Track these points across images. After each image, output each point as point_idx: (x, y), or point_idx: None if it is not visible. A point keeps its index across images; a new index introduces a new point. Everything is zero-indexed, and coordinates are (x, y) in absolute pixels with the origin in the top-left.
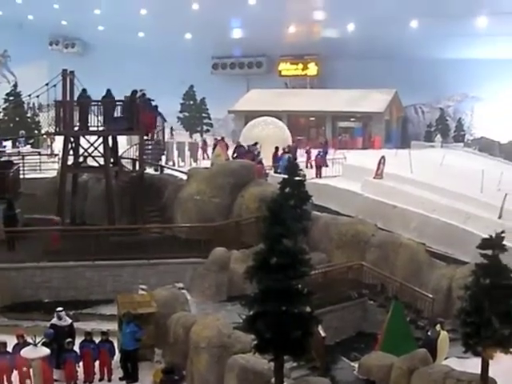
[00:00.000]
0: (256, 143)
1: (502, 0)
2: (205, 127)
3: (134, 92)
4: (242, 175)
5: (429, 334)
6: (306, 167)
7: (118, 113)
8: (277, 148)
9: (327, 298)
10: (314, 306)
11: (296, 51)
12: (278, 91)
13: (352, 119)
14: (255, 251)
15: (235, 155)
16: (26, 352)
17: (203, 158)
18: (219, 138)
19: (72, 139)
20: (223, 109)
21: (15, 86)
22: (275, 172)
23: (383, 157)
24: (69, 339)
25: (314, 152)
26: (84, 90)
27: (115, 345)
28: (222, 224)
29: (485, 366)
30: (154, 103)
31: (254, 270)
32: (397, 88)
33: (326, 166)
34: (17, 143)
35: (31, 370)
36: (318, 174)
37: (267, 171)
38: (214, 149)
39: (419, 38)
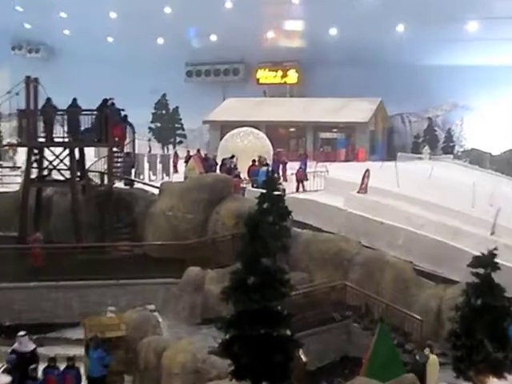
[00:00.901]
0: (233, 156)
1: (493, 4)
2: (178, 138)
3: (105, 101)
4: (217, 190)
5: (417, 358)
6: (285, 181)
7: (85, 123)
8: (254, 161)
9: (309, 320)
10: (295, 329)
11: (275, 57)
12: (256, 100)
13: (334, 130)
14: (232, 271)
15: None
16: None
17: (174, 172)
18: (195, 150)
19: (36, 151)
20: (197, 119)
21: None
22: (253, 186)
23: (368, 170)
24: (33, 366)
25: (294, 165)
26: (49, 99)
27: (81, 371)
28: (197, 242)
29: None
30: (123, 113)
31: (230, 290)
32: (382, 96)
33: (306, 179)
34: None
35: None
36: (301, 188)
37: (244, 185)
38: (186, 162)
39: (406, 43)
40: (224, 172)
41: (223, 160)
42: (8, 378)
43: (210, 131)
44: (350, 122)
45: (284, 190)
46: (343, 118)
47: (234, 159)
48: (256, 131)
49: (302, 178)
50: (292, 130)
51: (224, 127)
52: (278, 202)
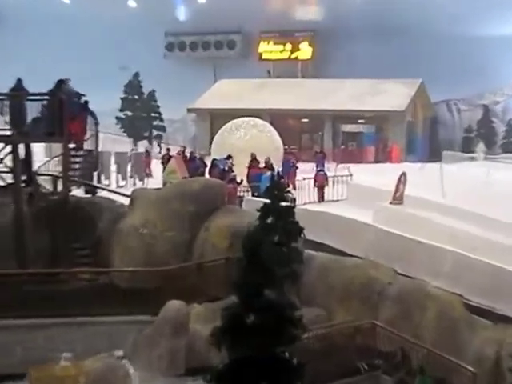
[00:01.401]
0: (229, 156)
1: None
2: (154, 132)
3: (59, 83)
4: (206, 199)
5: None
6: (295, 188)
7: (33, 112)
8: (253, 161)
9: (326, 372)
10: (308, 383)
11: (283, 26)
12: (258, 82)
13: (360, 121)
14: (225, 306)
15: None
16: None
17: (147, 176)
18: (177, 147)
19: None
20: (180, 106)
21: None
22: (253, 195)
23: (404, 173)
24: None
25: (305, 167)
26: None
27: None
28: (179, 268)
29: None
30: (83, 99)
31: (223, 332)
32: (423, 78)
33: (326, 185)
34: None
35: None
36: (320, 198)
37: (242, 194)
38: (165, 162)
39: (455, 7)
40: (215, 176)
41: (214, 161)
42: None
43: (197, 122)
44: (381, 110)
45: (294, 200)
46: (372, 106)
47: (230, 160)
48: (261, 122)
49: (323, 183)
50: (305, 121)
51: (215, 117)
52: (287, 216)
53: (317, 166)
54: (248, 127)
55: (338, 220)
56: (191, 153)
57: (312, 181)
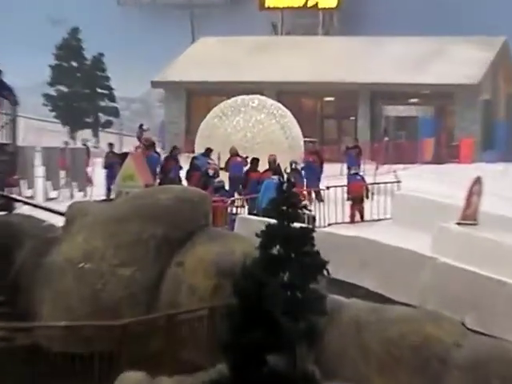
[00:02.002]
0: (208, 150)
1: None
2: (102, 117)
3: None
4: (181, 219)
5: None
6: (320, 200)
7: None
8: (253, 161)
9: None
10: None
11: None
12: (258, 41)
13: (413, 100)
14: (209, 379)
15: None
16: None
17: (88, 183)
18: (135, 140)
19: None
20: (142, 78)
21: None
22: (251, 212)
23: (478, 179)
24: None
25: (330, 169)
26: None
27: None
28: (139, 322)
29: None
30: None
31: None
32: (507, 35)
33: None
34: None
35: None
36: (354, 215)
37: (234, 209)
38: (108, 165)
39: None
40: (195, 183)
41: (193, 159)
42: None
43: (167, 103)
44: (444, 84)
45: (313, 220)
46: (430, 77)
47: (211, 160)
48: (270, 102)
49: (360, 194)
50: (328, 100)
51: (194, 95)
52: (302, 245)
53: (348, 169)
54: (249, 110)
55: (379, 249)
56: (174, 148)
57: (341, 190)
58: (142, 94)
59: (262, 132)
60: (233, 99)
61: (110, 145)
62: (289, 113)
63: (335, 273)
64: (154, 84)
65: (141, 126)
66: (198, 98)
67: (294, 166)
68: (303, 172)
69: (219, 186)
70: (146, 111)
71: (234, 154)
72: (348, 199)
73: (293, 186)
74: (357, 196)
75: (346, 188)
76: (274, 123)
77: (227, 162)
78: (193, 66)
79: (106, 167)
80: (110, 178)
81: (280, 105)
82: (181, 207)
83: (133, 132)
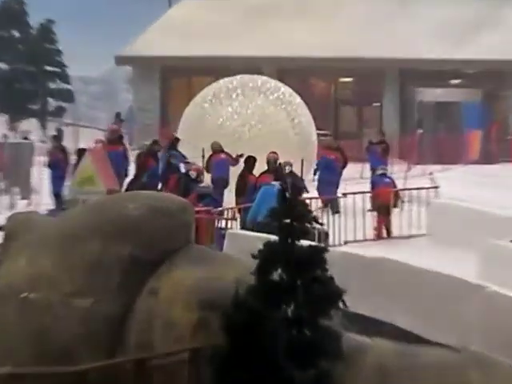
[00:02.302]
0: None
1: None
2: (52, 103)
3: None
4: (155, 235)
5: None
6: (337, 212)
7: None
8: (250, 159)
9: None
10: None
11: None
12: (254, 4)
13: (455, 81)
14: None
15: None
16: None
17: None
18: (96, 133)
19: None
20: (103, 53)
21: None
22: (244, 226)
23: None
24: None
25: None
26: None
27: None
28: (100, 367)
29: None
30: None
31: None
32: None
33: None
34: None
35: None
36: (381, 230)
37: (223, 223)
38: (53, 163)
39: None
40: (172, 188)
41: (170, 158)
42: None
43: (136, 84)
44: (496, 61)
45: (326, 237)
46: (478, 53)
47: (198, 157)
48: (274, 84)
49: (388, 202)
50: (345, 81)
51: (172, 74)
52: (310, 269)
53: (372, 170)
54: (249, 93)
55: (411, 275)
56: (154, 144)
57: (362, 197)
58: (103, 73)
59: (264, 122)
60: (227, 79)
61: (55, 137)
62: (299, 98)
63: (354, 305)
64: (120, 60)
65: (118, 114)
66: (177, 79)
67: (288, 169)
68: (318, 174)
69: (205, 192)
70: (108, 95)
71: (217, 149)
72: (371, 209)
73: (299, 192)
74: (383, 205)
75: (368, 195)
76: (280, 110)
77: (208, 161)
78: (170, 37)
79: (49, 166)
80: (57, 181)
81: (289, 89)
82: (154, 220)
83: (92, 122)
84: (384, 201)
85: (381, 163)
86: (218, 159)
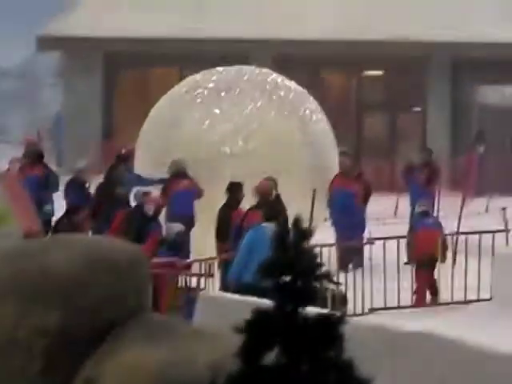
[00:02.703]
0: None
1: None
2: None
3: None
4: (92, 299)
5: None
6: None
7: None
8: (234, 188)
9: None
10: None
11: None
12: None
13: None
14: None
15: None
16: None
17: None
18: (10, 151)
19: None
20: (20, 34)
21: None
22: (225, 286)
23: None
24: None
25: (375, 206)
26: None
27: None
28: None
29: None
30: None
31: None
32: None
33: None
34: None
35: None
36: (428, 292)
37: (191, 280)
38: None
39: None
40: (118, 229)
41: (112, 187)
42: None
43: (68, 77)
44: None
45: (344, 301)
46: None
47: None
48: (280, 80)
49: (433, 252)
50: (372, 74)
51: (120, 62)
52: (320, 349)
53: (412, 206)
54: (242, 91)
55: (469, 356)
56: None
57: (396, 245)
58: (20, 63)
59: (264, 132)
60: (214, 70)
61: None
62: (315, 104)
63: None
64: (43, 43)
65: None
66: (127, 70)
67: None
68: (331, 210)
69: (169, 236)
70: (27, 93)
71: (178, 172)
72: (409, 262)
73: (305, 237)
74: (427, 256)
75: (406, 241)
76: (287, 117)
77: (165, 190)
78: (117, 11)
79: None
80: None
81: (298, 86)
82: (93, 278)
83: (2, 132)
84: (427, 251)
85: (425, 196)
86: (180, 188)
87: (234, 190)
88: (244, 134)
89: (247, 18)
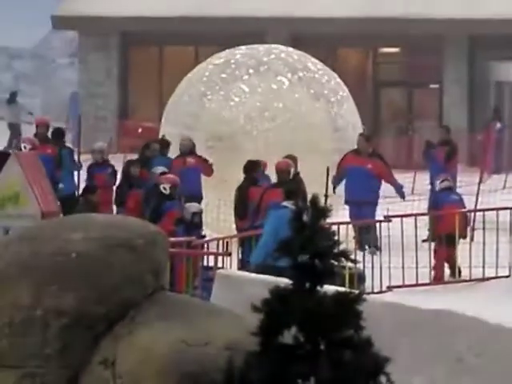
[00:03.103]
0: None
1: None
2: None
3: None
4: (110, 280)
5: None
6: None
7: None
8: (252, 166)
9: None
10: None
11: None
12: None
13: None
14: None
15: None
16: None
17: None
18: (25, 133)
19: None
20: (35, 16)
21: None
22: (244, 265)
23: None
24: None
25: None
26: None
27: None
28: None
29: None
30: None
31: None
32: None
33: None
34: None
35: None
36: (450, 269)
37: (209, 259)
38: None
39: None
40: (134, 209)
41: (129, 166)
42: None
43: (83, 58)
44: None
45: (361, 279)
46: None
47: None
48: (301, 57)
49: (453, 230)
50: (388, 51)
51: (135, 42)
52: (338, 327)
53: (431, 183)
54: (269, 70)
55: (489, 335)
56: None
57: (413, 222)
58: (35, 44)
59: (288, 110)
60: (237, 50)
61: None
62: (338, 78)
63: (404, 380)
64: (58, 22)
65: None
66: (143, 49)
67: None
68: (344, 190)
69: (186, 217)
70: (42, 73)
71: (186, 150)
72: (429, 239)
73: (324, 215)
74: (447, 233)
75: (424, 218)
76: (313, 96)
77: (169, 169)
78: None
79: None
80: None
81: (328, 69)
82: (110, 257)
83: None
84: (448, 227)
85: (443, 172)
86: (186, 166)
87: (251, 168)
88: (269, 112)
89: None
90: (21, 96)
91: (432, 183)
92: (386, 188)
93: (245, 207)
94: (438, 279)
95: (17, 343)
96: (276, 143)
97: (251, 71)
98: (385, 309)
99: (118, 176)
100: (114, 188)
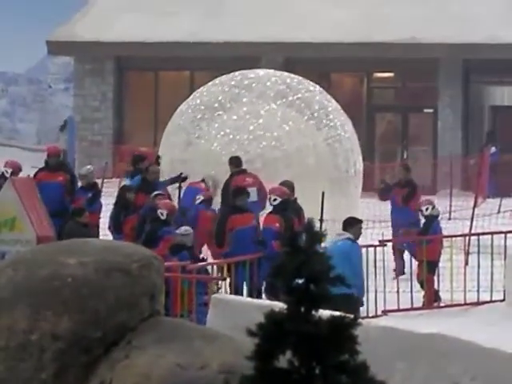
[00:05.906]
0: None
1: None
2: None
3: None
4: (105, 305)
5: None
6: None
7: None
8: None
9: None
10: None
11: None
12: None
13: None
14: None
15: None
16: None
17: None
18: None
19: None
20: (30, 40)
21: None
22: (238, 290)
23: None
24: None
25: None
26: None
27: None
28: None
29: None
30: None
31: None
32: None
33: None
34: None
35: None
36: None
37: (215, 285)
38: None
39: None
40: (130, 234)
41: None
42: None
43: (78, 82)
44: None
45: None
46: None
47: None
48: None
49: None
50: (383, 76)
51: (131, 67)
52: (333, 351)
53: (393, 227)
54: (271, 96)
55: (482, 359)
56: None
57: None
58: (30, 69)
59: (290, 140)
60: (238, 74)
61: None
62: (334, 103)
63: None
64: (54, 47)
65: (63, 126)
66: (138, 74)
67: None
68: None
69: (182, 241)
70: (37, 98)
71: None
72: (427, 265)
73: (319, 239)
74: (433, 259)
75: (422, 245)
76: (312, 126)
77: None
78: (127, 15)
79: None
80: None
81: (319, 88)
82: (106, 282)
83: (12, 137)
84: (440, 253)
85: (401, 214)
86: (189, 187)
87: (234, 195)
88: (263, 141)
89: (258, 22)
90: (16, 121)
91: (393, 225)
92: (380, 212)
93: (223, 233)
94: (429, 302)
95: (12, 367)
96: (269, 169)
97: (244, 100)
98: (380, 333)
99: (104, 200)
100: (109, 214)
